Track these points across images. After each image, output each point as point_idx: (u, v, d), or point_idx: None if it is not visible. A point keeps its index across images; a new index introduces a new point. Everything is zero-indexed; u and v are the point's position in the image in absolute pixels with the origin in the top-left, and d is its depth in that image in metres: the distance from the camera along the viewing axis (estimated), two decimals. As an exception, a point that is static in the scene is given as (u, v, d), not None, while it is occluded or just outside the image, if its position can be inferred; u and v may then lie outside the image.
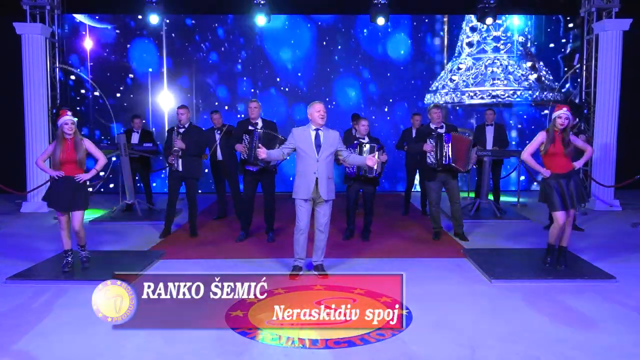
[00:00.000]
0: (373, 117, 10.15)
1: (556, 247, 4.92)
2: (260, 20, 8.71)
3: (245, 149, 5.77)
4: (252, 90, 10.24)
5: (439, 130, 5.96)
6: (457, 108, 10.37)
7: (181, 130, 6.16)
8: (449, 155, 5.82)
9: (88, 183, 4.95)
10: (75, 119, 4.82)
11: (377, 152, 5.80)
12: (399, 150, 7.81)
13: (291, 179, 5.29)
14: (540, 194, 4.93)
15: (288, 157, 4.89)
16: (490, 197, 7.86)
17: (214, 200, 9.36)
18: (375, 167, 5.82)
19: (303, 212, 4.71)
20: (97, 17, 10.05)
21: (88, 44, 10.04)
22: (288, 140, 4.77)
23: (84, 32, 10.02)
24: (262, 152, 4.64)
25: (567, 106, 4.87)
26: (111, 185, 10.25)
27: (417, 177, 8.03)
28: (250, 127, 5.84)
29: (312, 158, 4.61)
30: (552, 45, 10.27)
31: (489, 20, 8.83)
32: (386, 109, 10.35)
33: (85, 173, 4.87)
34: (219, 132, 7.26)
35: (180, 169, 6.16)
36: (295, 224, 4.77)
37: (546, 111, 10.24)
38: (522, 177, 10.25)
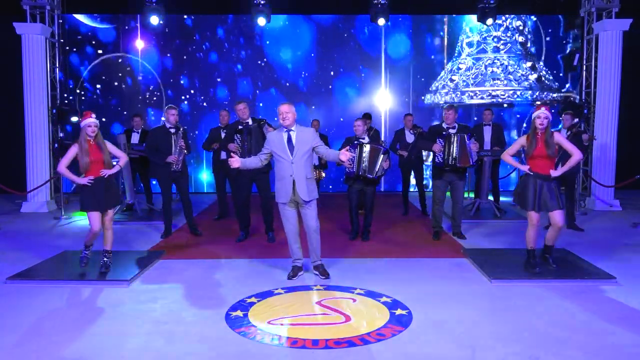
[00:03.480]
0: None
1: (534, 249, 4.83)
2: (261, 21, 8.71)
3: (239, 148, 5.86)
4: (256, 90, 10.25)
5: (450, 130, 6.01)
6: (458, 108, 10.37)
7: (172, 131, 6.18)
8: (454, 156, 5.86)
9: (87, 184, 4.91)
10: (98, 122, 4.79)
11: (382, 156, 5.81)
12: (392, 152, 7.75)
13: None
14: (514, 193, 4.88)
15: (266, 162, 4.77)
16: (490, 197, 7.86)
17: (214, 200, 9.39)
18: (377, 168, 5.84)
19: (288, 215, 4.70)
20: (97, 17, 10.06)
21: (88, 43, 10.05)
22: (264, 146, 4.72)
23: (83, 32, 10.03)
24: (235, 162, 4.50)
25: (547, 106, 4.85)
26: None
27: (413, 177, 8.04)
28: (240, 127, 5.92)
29: (287, 161, 4.57)
30: (552, 45, 10.27)
31: (489, 21, 8.83)
32: (386, 109, 10.34)
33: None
34: (224, 131, 6.94)
35: (180, 168, 6.21)
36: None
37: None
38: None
